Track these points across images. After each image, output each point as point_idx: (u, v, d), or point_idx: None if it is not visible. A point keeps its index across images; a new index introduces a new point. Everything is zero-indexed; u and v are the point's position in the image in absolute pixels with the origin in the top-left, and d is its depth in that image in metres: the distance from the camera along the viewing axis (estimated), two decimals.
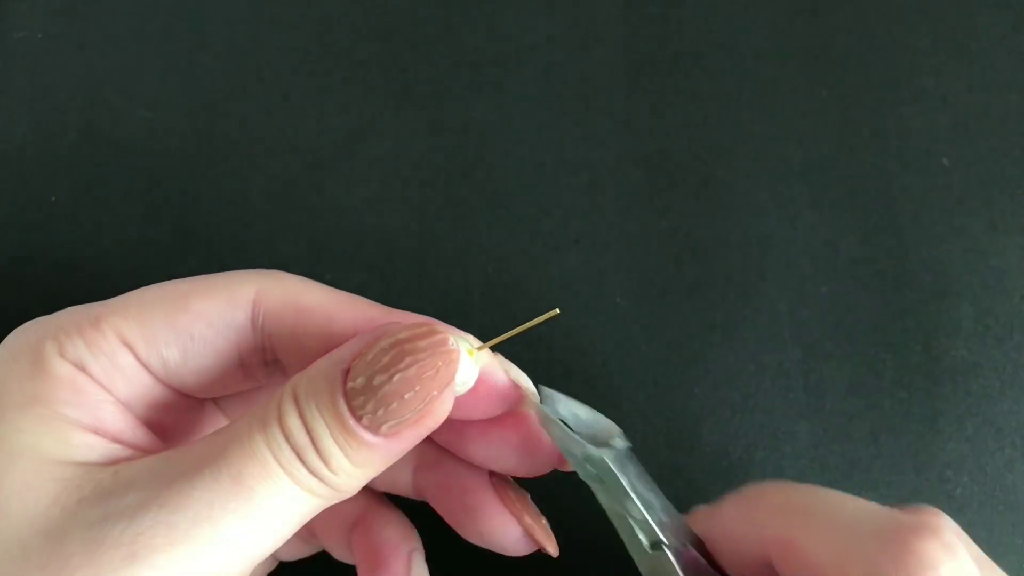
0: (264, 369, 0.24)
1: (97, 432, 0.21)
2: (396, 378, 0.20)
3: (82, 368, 0.21)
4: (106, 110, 0.36)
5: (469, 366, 0.22)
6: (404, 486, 0.27)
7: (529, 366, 0.33)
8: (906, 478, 0.32)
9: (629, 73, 0.36)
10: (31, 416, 0.20)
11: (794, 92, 0.36)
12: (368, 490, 0.27)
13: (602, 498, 0.24)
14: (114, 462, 0.20)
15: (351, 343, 0.21)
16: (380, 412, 0.20)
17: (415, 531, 0.27)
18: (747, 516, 0.23)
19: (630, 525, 0.23)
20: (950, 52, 0.36)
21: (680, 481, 0.32)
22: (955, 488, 0.32)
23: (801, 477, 0.32)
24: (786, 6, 0.37)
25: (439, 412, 0.21)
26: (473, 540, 0.25)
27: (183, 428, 0.25)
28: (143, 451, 0.21)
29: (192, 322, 0.22)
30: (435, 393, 0.20)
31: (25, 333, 0.22)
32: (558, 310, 0.23)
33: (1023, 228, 0.34)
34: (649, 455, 0.32)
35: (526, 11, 0.37)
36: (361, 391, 0.20)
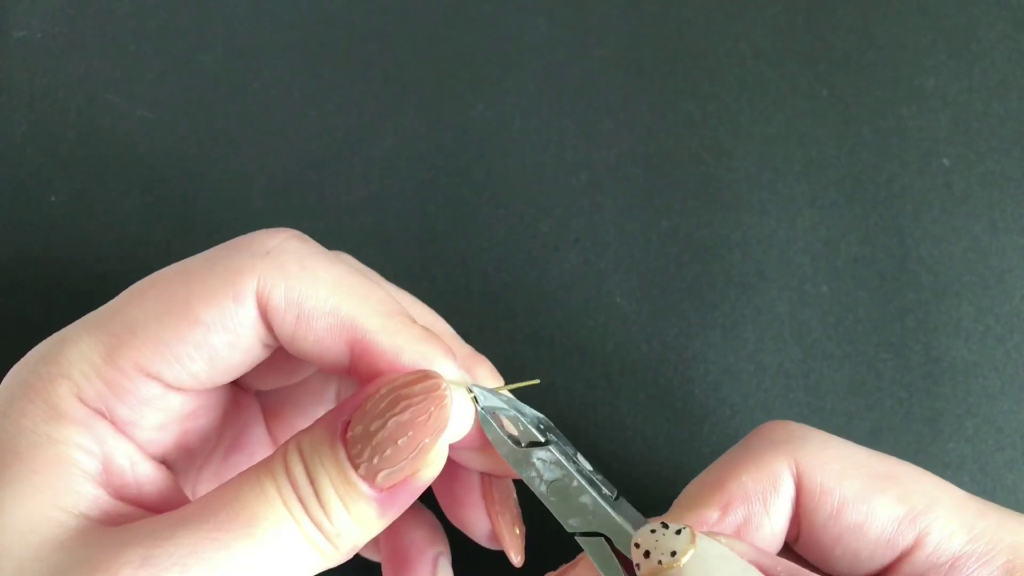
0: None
1: (106, 485, 0.21)
2: (390, 423, 0.20)
3: (102, 412, 0.21)
4: (106, 110, 0.36)
5: (464, 412, 0.22)
6: None
7: (530, 366, 0.33)
8: None
9: (629, 73, 0.36)
10: (45, 459, 0.20)
11: (794, 92, 0.36)
12: None
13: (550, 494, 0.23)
14: (116, 521, 0.20)
15: (355, 395, 0.21)
16: (376, 460, 0.20)
17: (443, 534, 0.27)
18: None
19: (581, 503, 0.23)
20: (950, 52, 0.36)
21: (680, 481, 0.32)
22: None
23: None
24: (786, 6, 0.37)
25: (433, 462, 0.21)
26: (455, 524, 0.26)
27: (230, 419, 0.25)
28: (146, 508, 0.21)
29: (207, 333, 0.22)
30: (427, 440, 0.20)
31: (35, 369, 0.21)
32: (538, 380, 0.24)
33: (1023, 228, 0.34)
34: (649, 455, 0.32)
35: (526, 11, 0.37)
36: (359, 439, 0.20)
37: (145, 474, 0.22)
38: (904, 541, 0.22)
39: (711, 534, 0.20)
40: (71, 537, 0.19)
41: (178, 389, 0.22)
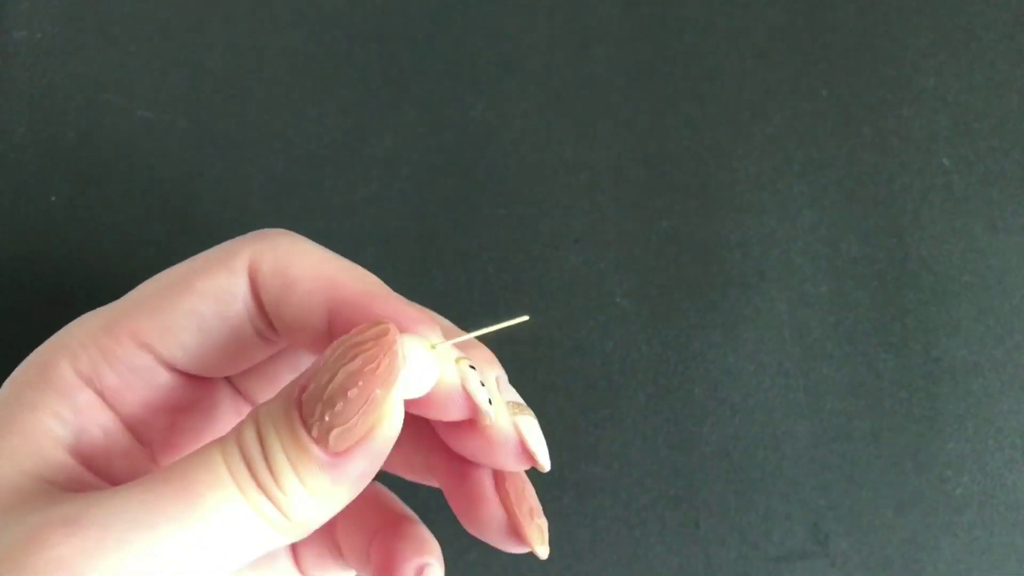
0: (278, 334, 0.23)
1: (76, 454, 0.21)
2: (340, 373, 0.19)
3: (92, 381, 0.21)
4: (106, 110, 0.36)
5: (424, 364, 0.20)
6: (419, 468, 0.26)
7: (530, 366, 0.33)
8: (906, 478, 0.32)
9: (629, 73, 0.36)
10: (19, 424, 0.20)
11: (794, 92, 0.36)
12: (392, 502, 0.26)
13: None
14: (82, 489, 0.20)
15: (315, 361, 0.20)
16: (327, 416, 0.19)
17: (436, 546, 0.25)
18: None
19: None
20: (950, 52, 0.36)
21: (680, 481, 0.32)
22: (955, 488, 0.32)
23: (801, 477, 0.32)
24: (786, 6, 0.37)
25: (387, 418, 0.19)
26: (472, 531, 0.24)
27: (208, 416, 0.25)
28: (112, 482, 0.21)
29: (199, 301, 0.22)
30: (378, 391, 0.19)
31: (47, 344, 0.22)
32: (527, 316, 0.22)
33: (1023, 228, 0.34)
34: (649, 455, 0.32)
35: (526, 11, 0.37)
36: (312, 398, 0.19)
37: (118, 448, 0.22)
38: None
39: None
40: (23, 501, 0.19)
41: (168, 364, 0.22)
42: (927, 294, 0.33)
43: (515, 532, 0.23)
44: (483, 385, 0.21)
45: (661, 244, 0.34)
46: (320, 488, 0.19)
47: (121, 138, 0.36)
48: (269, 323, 0.23)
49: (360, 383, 0.19)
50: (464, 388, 0.21)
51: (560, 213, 0.35)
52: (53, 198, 0.35)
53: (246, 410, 0.27)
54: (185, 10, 0.37)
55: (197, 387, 0.24)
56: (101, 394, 0.22)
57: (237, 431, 0.19)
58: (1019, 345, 0.33)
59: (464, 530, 0.24)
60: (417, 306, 0.22)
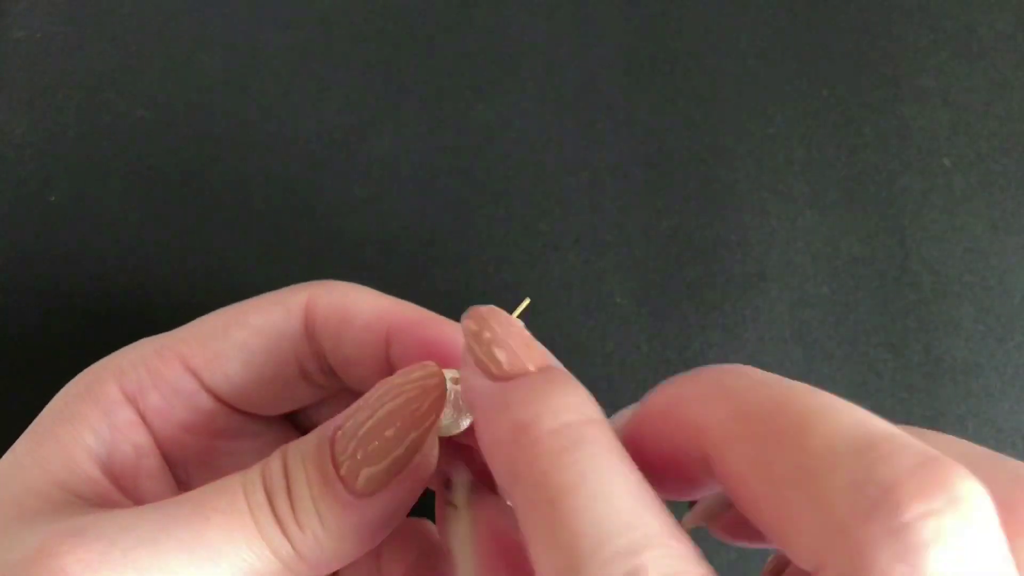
0: (326, 378, 0.24)
1: (107, 471, 0.21)
2: (380, 412, 0.19)
3: (135, 400, 0.22)
4: (106, 110, 0.36)
5: (458, 402, 0.20)
6: None
7: None
8: None
9: (629, 73, 0.36)
10: (57, 434, 0.21)
11: (794, 92, 0.36)
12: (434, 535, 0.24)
13: None
14: (104, 504, 0.20)
15: (351, 407, 0.20)
16: (359, 454, 0.18)
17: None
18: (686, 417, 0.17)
19: None
20: (951, 51, 0.36)
21: None
22: None
23: None
24: (786, 6, 0.37)
25: (421, 465, 0.19)
26: None
27: (248, 450, 0.25)
28: (138, 502, 0.21)
29: (250, 337, 0.22)
30: (415, 434, 0.19)
31: (101, 362, 0.23)
32: (528, 299, 0.22)
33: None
34: None
35: (526, 11, 0.37)
36: (347, 435, 0.19)
37: (148, 469, 0.22)
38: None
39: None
40: (47, 509, 0.19)
41: (211, 392, 0.23)
42: (927, 294, 0.33)
43: None
44: None
45: (661, 244, 0.34)
46: (340, 529, 0.18)
47: (121, 138, 0.36)
48: (320, 364, 0.23)
49: (399, 423, 0.19)
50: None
51: (560, 213, 0.35)
52: (53, 198, 0.35)
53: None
54: (185, 10, 0.37)
55: (242, 420, 0.24)
56: (143, 414, 0.22)
57: (264, 462, 0.19)
58: (1020, 345, 0.33)
59: None
60: (458, 328, 0.22)
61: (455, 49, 0.37)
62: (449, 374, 0.20)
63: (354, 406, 0.20)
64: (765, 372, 0.16)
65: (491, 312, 0.18)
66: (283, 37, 0.37)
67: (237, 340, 0.22)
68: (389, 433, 0.18)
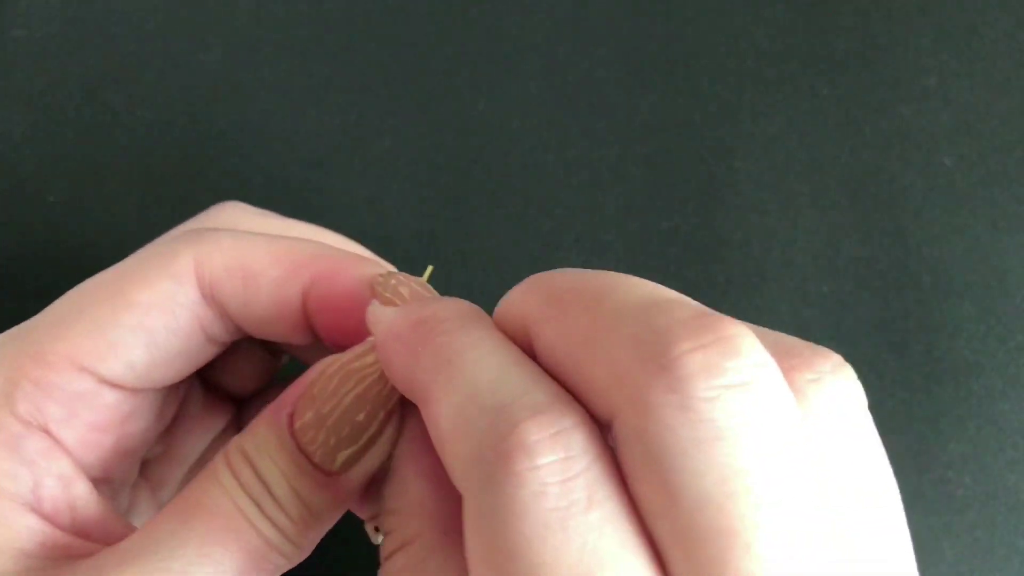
0: (231, 335, 0.23)
1: (39, 512, 0.19)
2: (346, 400, 0.19)
3: (33, 419, 0.20)
4: (106, 110, 0.36)
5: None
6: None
7: None
8: (907, 479, 0.32)
9: (629, 73, 0.36)
10: None
11: (794, 92, 0.36)
12: None
13: None
14: (56, 553, 0.19)
15: (292, 387, 0.19)
16: (332, 441, 0.19)
17: None
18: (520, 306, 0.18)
19: None
20: (952, 51, 0.36)
21: None
22: (957, 489, 0.32)
23: None
24: (786, 6, 0.37)
25: (389, 431, 0.19)
26: None
27: (172, 416, 0.24)
28: (83, 535, 0.20)
29: (142, 316, 0.20)
30: (382, 413, 0.19)
31: None
32: (432, 266, 0.23)
33: None
34: None
35: (526, 11, 0.37)
36: (310, 426, 0.19)
37: (79, 495, 0.20)
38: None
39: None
40: None
41: (113, 384, 0.21)
42: (928, 294, 0.33)
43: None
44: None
45: (661, 244, 0.34)
46: (325, 506, 0.19)
47: (121, 138, 0.36)
48: (227, 326, 0.22)
49: (367, 408, 0.19)
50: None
51: (560, 213, 0.35)
52: (52, 198, 0.35)
53: (207, 397, 0.26)
54: (185, 10, 0.37)
55: (148, 397, 0.22)
56: (48, 432, 0.20)
57: (233, 472, 0.19)
58: (1021, 345, 0.33)
59: None
60: (360, 254, 0.22)
61: (455, 49, 0.37)
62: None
63: (304, 392, 0.19)
64: (581, 269, 0.18)
65: (393, 271, 0.21)
66: (283, 37, 0.37)
67: (131, 323, 0.20)
68: (360, 417, 0.19)
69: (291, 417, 0.19)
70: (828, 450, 0.14)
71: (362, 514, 0.24)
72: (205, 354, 0.22)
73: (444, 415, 0.16)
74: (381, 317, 0.19)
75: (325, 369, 0.19)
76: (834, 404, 0.15)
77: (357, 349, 0.19)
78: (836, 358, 0.16)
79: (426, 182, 0.35)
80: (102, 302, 0.20)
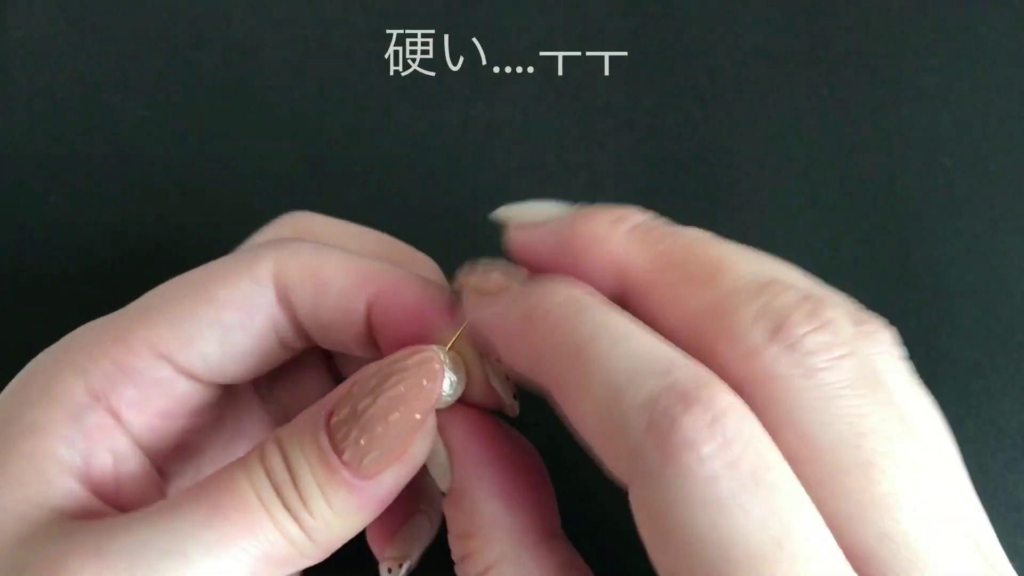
0: (301, 342, 0.23)
1: (85, 480, 0.20)
2: (381, 399, 0.19)
3: (104, 397, 0.21)
4: (106, 110, 0.36)
5: (454, 379, 0.21)
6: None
7: None
8: None
9: (629, 73, 0.36)
10: (25, 448, 0.19)
11: (794, 92, 0.36)
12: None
13: None
14: (93, 518, 0.19)
15: (338, 388, 0.20)
16: (363, 440, 0.19)
17: (434, 500, 0.25)
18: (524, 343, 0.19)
19: None
20: (951, 51, 0.36)
21: None
22: None
23: None
24: (786, 6, 0.37)
25: (422, 440, 0.20)
26: None
27: (225, 419, 0.25)
28: (122, 509, 0.20)
29: (220, 311, 0.21)
30: (418, 416, 0.19)
31: (48, 354, 0.21)
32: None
33: None
34: None
35: (526, 11, 0.37)
36: (345, 422, 0.19)
37: (127, 473, 0.21)
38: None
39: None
40: (35, 533, 0.18)
41: (188, 374, 0.22)
42: (927, 294, 0.33)
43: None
44: (507, 379, 0.22)
45: None
46: (348, 510, 0.19)
47: (121, 138, 0.36)
48: (298, 331, 0.23)
49: (402, 408, 0.19)
50: (492, 387, 0.22)
51: None
52: (52, 198, 0.35)
53: (263, 411, 0.26)
54: (184, 9, 0.37)
55: (215, 393, 0.23)
56: (114, 411, 0.21)
57: (261, 455, 0.19)
58: (1020, 345, 0.33)
59: None
60: (426, 277, 0.23)
61: (455, 48, 0.37)
62: (441, 352, 0.21)
63: (346, 391, 0.19)
64: (670, 223, 0.20)
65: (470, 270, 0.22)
66: (283, 37, 0.37)
67: (208, 318, 0.21)
68: (393, 418, 0.19)
69: (330, 414, 0.19)
70: (896, 388, 0.18)
71: (379, 552, 0.25)
72: (275, 357, 0.23)
73: (589, 413, 0.17)
74: (484, 311, 0.20)
75: (367, 368, 0.20)
76: (893, 352, 0.19)
77: (401, 352, 0.20)
78: (880, 319, 0.20)
79: (425, 182, 0.35)
80: (184, 297, 0.22)
